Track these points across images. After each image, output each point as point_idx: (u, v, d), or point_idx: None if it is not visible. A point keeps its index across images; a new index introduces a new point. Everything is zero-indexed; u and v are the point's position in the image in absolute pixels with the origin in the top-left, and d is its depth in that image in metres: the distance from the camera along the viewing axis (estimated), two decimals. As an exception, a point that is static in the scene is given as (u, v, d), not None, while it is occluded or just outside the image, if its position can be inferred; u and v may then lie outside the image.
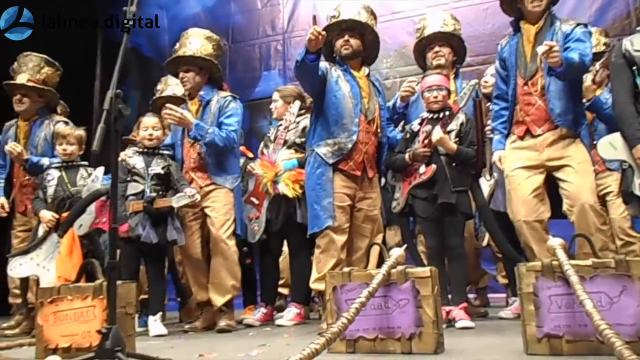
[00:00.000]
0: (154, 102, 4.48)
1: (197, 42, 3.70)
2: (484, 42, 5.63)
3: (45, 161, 3.93)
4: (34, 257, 3.54)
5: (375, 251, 3.43)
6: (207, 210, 3.55)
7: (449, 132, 3.24)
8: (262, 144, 4.12)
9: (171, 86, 4.49)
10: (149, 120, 3.69)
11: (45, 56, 4.22)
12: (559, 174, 2.99)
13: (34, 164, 3.91)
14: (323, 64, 3.31)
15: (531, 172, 3.01)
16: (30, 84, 4.10)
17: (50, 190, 3.71)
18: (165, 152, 3.70)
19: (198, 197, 3.39)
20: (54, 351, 2.42)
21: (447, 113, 3.27)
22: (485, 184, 3.49)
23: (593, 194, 2.95)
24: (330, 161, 3.24)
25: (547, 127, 3.02)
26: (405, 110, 3.69)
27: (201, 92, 3.67)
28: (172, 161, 3.66)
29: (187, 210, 3.58)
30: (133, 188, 3.53)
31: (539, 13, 3.07)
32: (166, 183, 3.58)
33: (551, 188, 3.04)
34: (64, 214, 3.61)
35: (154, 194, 3.48)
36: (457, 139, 3.26)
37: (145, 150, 3.65)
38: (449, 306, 3.10)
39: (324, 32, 3.01)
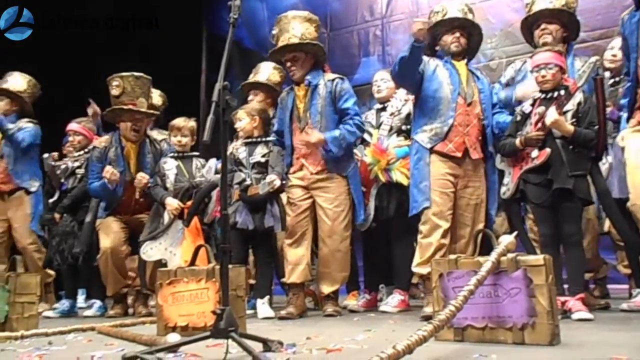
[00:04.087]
0: (241, 87, 4.51)
1: (299, 27, 3.60)
2: (600, 16, 5.20)
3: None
4: (162, 242, 3.78)
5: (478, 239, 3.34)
6: (318, 200, 3.55)
7: (564, 113, 3.05)
8: None
9: (260, 73, 4.51)
10: (236, 114, 3.83)
11: (150, 77, 4.19)
12: None
13: (153, 186, 4.04)
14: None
15: None
16: (150, 111, 4.16)
17: (171, 179, 3.94)
18: (270, 139, 3.80)
19: (277, 182, 3.48)
20: (173, 329, 2.58)
21: (562, 92, 3.08)
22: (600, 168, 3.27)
23: None
24: (428, 146, 3.28)
25: None
26: None
27: (308, 77, 3.64)
28: (275, 147, 3.74)
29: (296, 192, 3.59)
30: (237, 177, 3.70)
31: None
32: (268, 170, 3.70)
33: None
34: (188, 203, 3.82)
35: (249, 182, 3.62)
36: (574, 120, 3.06)
37: (251, 140, 3.78)
38: (564, 296, 2.94)
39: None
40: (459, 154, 3.27)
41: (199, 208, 3.74)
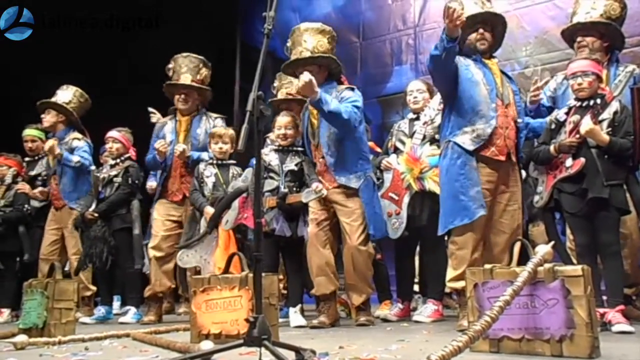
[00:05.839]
0: (270, 103, 4.45)
1: (312, 40, 3.57)
2: (639, 22, 5.09)
3: (204, 156, 4.22)
4: (197, 249, 3.86)
5: (516, 248, 3.26)
6: (338, 214, 3.52)
7: (600, 122, 2.99)
8: (393, 139, 4.06)
9: (285, 84, 4.53)
10: (282, 120, 3.82)
11: (203, 58, 4.45)
12: None
13: (195, 160, 4.19)
14: None
15: None
16: (195, 84, 4.36)
17: (209, 187, 4.00)
18: (300, 148, 3.81)
19: (324, 192, 3.42)
20: (207, 336, 2.60)
21: (598, 101, 3.02)
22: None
23: None
24: (471, 148, 3.09)
25: None
26: (535, 112, 3.51)
27: None
28: (306, 157, 3.75)
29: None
30: (269, 184, 3.70)
31: None
32: (300, 179, 3.72)
33: None
34: None
35: (286, 190, 3.62)
36: (610, 129, 3.00)
37: (281, 147, 3.80)
38: (603, 308, 2.86)
39: (464, 17, 2.91)
40: (502, 158, 3.12)
41: (221, 214, 3.78)
